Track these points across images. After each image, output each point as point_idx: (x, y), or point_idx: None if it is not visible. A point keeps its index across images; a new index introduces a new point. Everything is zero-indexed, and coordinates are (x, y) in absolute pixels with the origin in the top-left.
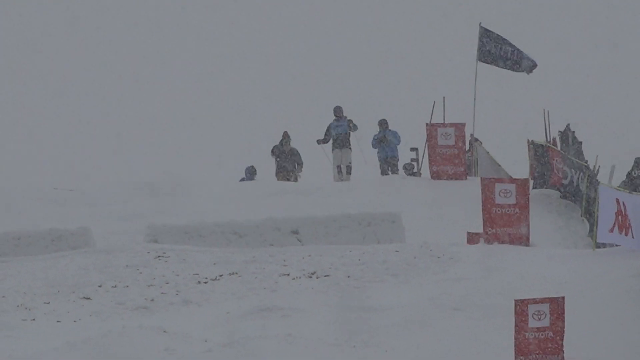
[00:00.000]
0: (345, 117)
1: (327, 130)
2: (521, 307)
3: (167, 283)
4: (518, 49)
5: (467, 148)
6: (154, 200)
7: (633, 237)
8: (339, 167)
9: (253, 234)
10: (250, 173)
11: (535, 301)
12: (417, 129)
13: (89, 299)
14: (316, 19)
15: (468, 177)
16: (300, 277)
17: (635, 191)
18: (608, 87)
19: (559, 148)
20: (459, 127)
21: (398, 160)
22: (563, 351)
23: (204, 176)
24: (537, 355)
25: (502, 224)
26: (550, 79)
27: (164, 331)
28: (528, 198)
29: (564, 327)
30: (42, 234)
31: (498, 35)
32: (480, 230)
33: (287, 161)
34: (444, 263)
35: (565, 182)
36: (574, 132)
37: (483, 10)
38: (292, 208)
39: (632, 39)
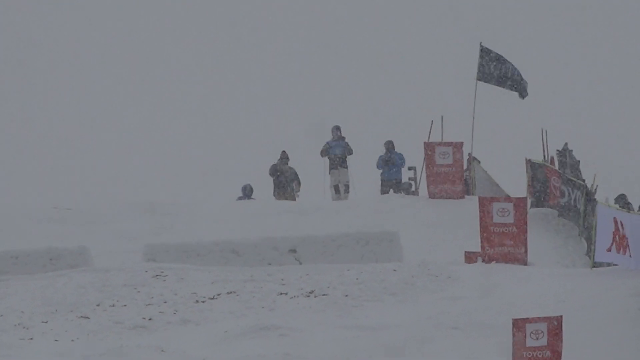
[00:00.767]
0: (343, 138)
1: (325, 148)
2: (519, 326)
3: (165, 302)
4: (518, 72)
5: (465, 167)
6: (151, 220)
7: (631, 256)
8: (336, 186)
9: (251, 252)
10: (247, 192)
11: (533, 320)
12: (415, 147)
13: (87, 318)
14: (315, 39)
15: (466, 196)
16: (298, 296)
17: None
18: (606, 106)
19: (556, 167)
20: (457, 146)
21: (401, 182)
22: None
23: (201, 195)
24: None
25: (500, 243)
26: (548, 98)
27: (162, 350)
28: (526, 217)
29: (561, 347)
30: (41, 252)
31: (498, 54)
32: (478, 249)
33: (285, 180)
34: (442, 282)
35: (563, 201)
36: (571, 151)
37: (482, 29)
38: (290, 227)
39: (631, 59)
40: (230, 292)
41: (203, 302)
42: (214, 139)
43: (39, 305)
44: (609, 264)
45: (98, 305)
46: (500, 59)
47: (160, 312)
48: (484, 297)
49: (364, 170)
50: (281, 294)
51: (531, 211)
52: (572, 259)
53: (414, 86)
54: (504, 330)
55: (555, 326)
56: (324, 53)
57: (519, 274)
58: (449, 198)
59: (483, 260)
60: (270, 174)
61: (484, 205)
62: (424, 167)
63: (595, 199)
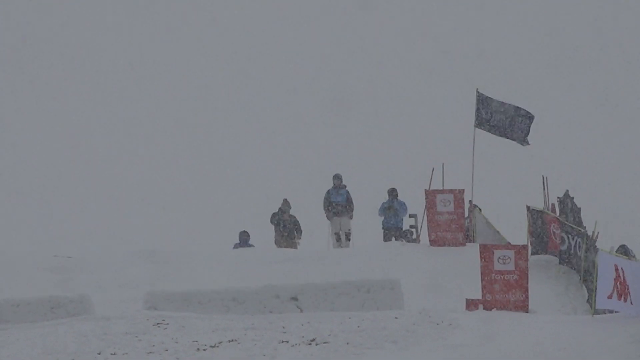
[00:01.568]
0: (344, 186)
1: (327, 197)
2: None
3: (166, 350)
4: (512, 118)
5: (466, 214)
6: (152, 268)
7: (632, 304)
8: (337, 234)
9: (252, 300)
10: (244, 238)
11: None
12: (416, 195)
13: None
14: (317, 86)
15: (467, 243)
16: (299, 344)
17: None
18: (607, 153)
19: (557, 214)
20: (458, 193)
21: (402, 230)
22: None
23: (201, 242)
24: None
25: (501, 291)
26: (549, 145)
27: None
28: (527, 264)
29: None
30: (41, 301)
31: (494, 100)
32: (479, 296)
33: (286, 228)
34: (443, 330)
35: (563, 248)
36: (572, 198)
37: (481, 76)
38: (291, 275)
39: (633, 107)
40: (232, 340)
41: (204, 350)
42: (214, 186)
43: (39, 353)
44: (610, 311)
45: (99, 353)
46: (495, 106)
47: None
48: (485, 345)
49: (364, 217)
50: (282, 342)
51: (532, 258)
52: (573, 306)
53: (415, 134)
54: None
55: None
56: (325, 101)
57: (520, 321)
58: (450, 245)
59: (484, 308)
60: (271, 222)
61: (485, 252)
62: (425, 214)
63: (596, 246)
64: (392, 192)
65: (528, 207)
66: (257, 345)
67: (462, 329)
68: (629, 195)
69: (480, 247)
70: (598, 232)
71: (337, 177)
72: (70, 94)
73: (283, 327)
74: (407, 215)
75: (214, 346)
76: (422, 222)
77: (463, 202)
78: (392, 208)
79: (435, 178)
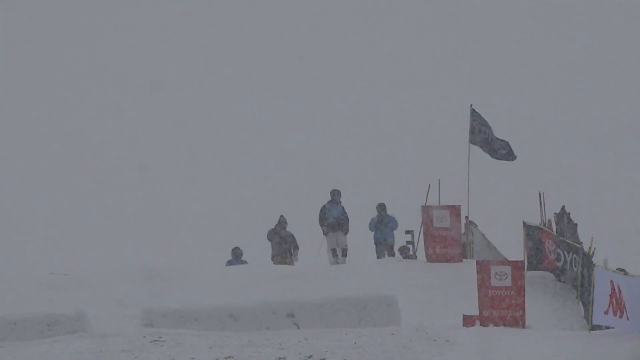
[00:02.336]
0: (340, 202)
1: (323, 213)
2: None
3: None
4: (497, 139)
5: (463, 230)
6: (149, 285)
7: (628, 319)
8: (333, 250)
9: (249, 317)
10: (237, 254)
11: None
12: (412, 211)
13: None
14: (311, 101)
15: (463, 259)
16: None
17: None
18: (603, 169)
19: (554, 230)
20: (455, 209)
21: (394, 244)
22: None
23: (197, 259)
24: None
25: (498, 306)
26: (545, 160)
27: None
28: (524, 280)
29: None
30: (38, 318)
31: (483, 118)
32: (476, 312)
33: (283, 245)
34: (440, 346)
35: (559, 264)
36: (569, 213)
37: (477, 91)
38: (287, 291)
39: (629, 121)
40: (228, 357)
41: None
42: (209, 202)
43: None
44: (607, 327)
45: None
46: (484, 123)
47: None
48: None
49: (359, 233)
50: (279, 358)
51: (528, 274)
52: (570, 322)
53: (411, 149)
54: None
55: None
56: (320, 117)
57: (517, 337)
58: (447, 261)
59: (481, 324)
60: (268, 239)
61: (482, 268)
62: (422, 230)
63: (592, 261)
64: (381, 207)
65: (524, 223)
66: None
67: (459, 345)
68: (626, 211)
69: (477, 263)
70: (595, 248)
71: (336, 193)
72: (63, 108)
73: (280, 344)
74: (397, 228)
75: None
76: (418, 238)
77: (460, 217)
78: (383, 222)
79: (432, 194)
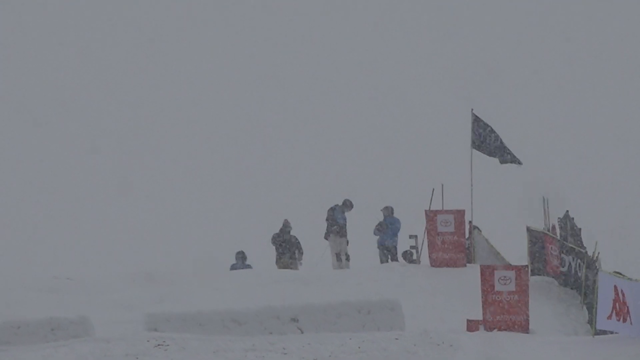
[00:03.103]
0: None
1: (332, 214)
2: None
3: None
4: (501, 142)
5: (466, 235)
6: (152, 289)
7: (632, 324)
8: (337, 254)
9: (252, 322)
10: (241, 258)
11: None
12: (416, 216)
13: None
14: (315, 105)
15: (467, 264)
16: None
17: None
18: (607, 174)
19: (558, 235)
20: (459, 214)
21: (396, 248)
22: None
23: (201, 264)
24: None
25: (502, 311)
26: (550, 165)
27: None
28: (527, 285)
29: None
30: (41, 323)
31: (485, 123)
32: (480, 317)
33: (287, 249)
34: (444, 351)
35: (564, 269)
36: (573, 218)
37: (480, 95)
38: (291, 296)
39: (632, 126)
40: None
41: None
42: (212, 206)
43: None
44: (611, 332)
45: None
46: (487, 129)
47: None
48: None
49: (363, 238)
50: None
51: (532, 279)
52: (574, 327)
53: (414, 154)
54: None
55: None
56: (325, 121)
57: (520, 342)
58: (451, 266)
59: (485, 329)
60: (272, 243)
61: (486, 273)
62: (426, 235)
63: (596, 266)
64: (387, 210)
65: (528, 228)
66: None
67: (463, 350)
68: (630, 215)
69: (480, 268)
70: (598, 253)
71: (348, 203)
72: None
73: (283, 348)
74: (407, 235)
75: None
76: (422, 243)
77: (464, 222)
78: (385, 226)
79: (435, 199)
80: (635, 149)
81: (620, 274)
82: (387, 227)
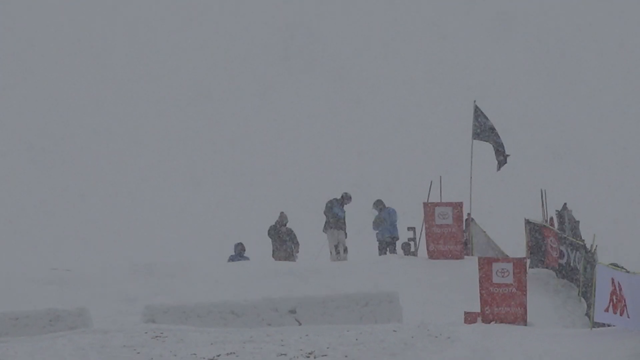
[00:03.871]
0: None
1: (330, 207)
2: None
3: None
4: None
5: (464, 227)
6: (151, 281)
7: (629, 317)
8: (335, 246)
9: (250, 313)
10: (239, 250)
11: None
12: (414, 208)
13: None
14: (313, 103)
15: (465, 256)
16: (297, 357)
17: None
18: (605, 166)
19: (556, 227)
20: (457, 206)
21: (398, 239)
22: None
23: (198, 255)
24: None
25: (500, 303)
26: (548, 158)
27: None
28: (525, 277)
29: None
30: (40, 314)
31: (486, 117)
32: (478, 309)
33: (283, 241)
34: (441, 343)
35: (562, 261)
36: (570, 211)
37: (480, 88)
38: (289, 288)
39: (629, 118)
40: (230, 353)
41: None
42: (210, 199)
43: None
44: (609, 325)
45: None
46: (488, 123)
47: None
48: (483, 358)
49: (361, 231)
50: (281, 354)
51: (531, 271)
52: (572, 319)
53: (413, 146)
54: None
55: None
56: (322, 114)
57: (518, 334)
58: (449, 258)
59: (483, 321)
60: (269, 235)
61: (484, 265)
62: (423, 227)
63: (594, 259)
64: (379, 204)
65: (526, 221)
66: (256, 358)
67: (460, 342)
68: (628, 208)
69: (478, 260)
70: (597, 245)
71: (347, 197)
72: (65, 106)
73: (281, 340)
74: (397, 220)
75: (213, 359)
76: (420, 235)
77: (461, 215)
78: (381, 219)
79: (433, 191)
80: (632, 141)
81: (617, 265)
82: (384, 221)
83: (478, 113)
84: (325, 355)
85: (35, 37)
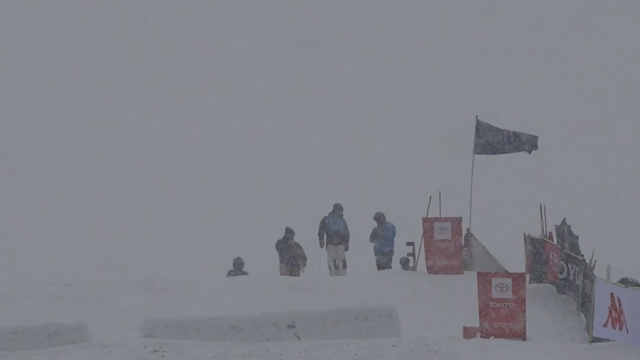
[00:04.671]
0: (341, 215)
1: (323, 225)
2: None
3: None
4: (515, 132)
5: (463, 242)
6: (150, 296)
7: (627, 332)
8: (333, 262)
9: (249, 328)
10: (238, 265)
11: None
12: (413, 223)
13: None
14: (313, 112)
15: (464, 271)
16: None
17: None
18: (604, 181)
19: (555, 242)
20: (456, 221)
21: (393, 253)
22: None
23: (198, 269)
24: None
25: (499, 319)
26: (547, 172)
27: None
28: (525, 292)
29: None
30: (39, 328)
31: (492, 125)
32: (477, 324)
33: (290, 256)
34: (440, 357)
35: (562, 276)
36: (570, 226)
37: (479, 103)
38: (288, 302)
39: (629, 132)
40: None
41: None
42: (210, 212)
43: None
44: (608, 340)
45: None
46: (493, 129)
47: None
48: None
49: (360, 245)
50: None
51: (530, 286)
52: (571, 335)
53: (412, 161)
54: None
55: None
56: (323, 127)
57: (517, 349)
58: (448, 273)
59: (482, 336)
60: (276, 249)
61: (483, 280)
62: (422, 242)
63: (594, 274)
64: (379, 217)
65: (526, 236)
66: None
67: (459, 357)
68: (627, 223)
69: (477, 275)
70: (595, 260)
71: (338, 207)
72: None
73: (280, 355)
74: (395, 235)
75: None
76: (419, 250)
77: (460, 230)
78: (380, 233)
79: (433, 206)
80: (632, 157)
81: (628, 279)
82: (380, 235)
83: (480, 128)
84: None
85: (35, 38)
